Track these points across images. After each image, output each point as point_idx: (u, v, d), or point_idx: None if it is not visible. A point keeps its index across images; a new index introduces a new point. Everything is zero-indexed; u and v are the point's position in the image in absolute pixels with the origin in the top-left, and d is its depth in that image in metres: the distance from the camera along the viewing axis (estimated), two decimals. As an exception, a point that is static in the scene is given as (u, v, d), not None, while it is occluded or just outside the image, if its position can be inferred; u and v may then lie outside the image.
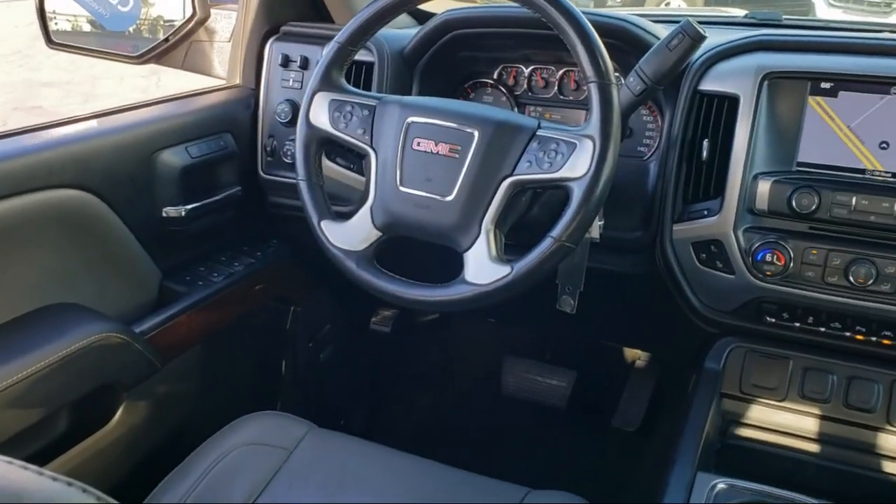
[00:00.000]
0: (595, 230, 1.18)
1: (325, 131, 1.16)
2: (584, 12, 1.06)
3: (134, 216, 1.35)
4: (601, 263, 1.32)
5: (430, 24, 1.41)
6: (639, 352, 2.03)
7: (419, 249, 1.15)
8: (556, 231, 1.02)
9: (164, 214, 1.40)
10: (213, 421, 1.20)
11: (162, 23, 1.66)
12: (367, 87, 1.43)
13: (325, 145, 1.19)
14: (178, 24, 1.60)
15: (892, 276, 1.13)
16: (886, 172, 1.15)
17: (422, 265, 1.25)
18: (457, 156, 1.07)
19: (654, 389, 1.95)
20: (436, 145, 1.09)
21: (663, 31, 1.26)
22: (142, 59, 1.63)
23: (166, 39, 1.60)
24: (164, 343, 1.35)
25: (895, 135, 1.15)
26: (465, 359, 2.21)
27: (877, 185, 1.15)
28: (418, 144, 1.10)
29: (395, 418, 2.09)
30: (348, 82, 1.19)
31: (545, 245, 1.02)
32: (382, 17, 1.15)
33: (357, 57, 1.24)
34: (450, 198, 1.07)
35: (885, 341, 1.19)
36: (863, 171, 1.17)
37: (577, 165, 1.01)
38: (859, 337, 1.20)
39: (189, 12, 1.58)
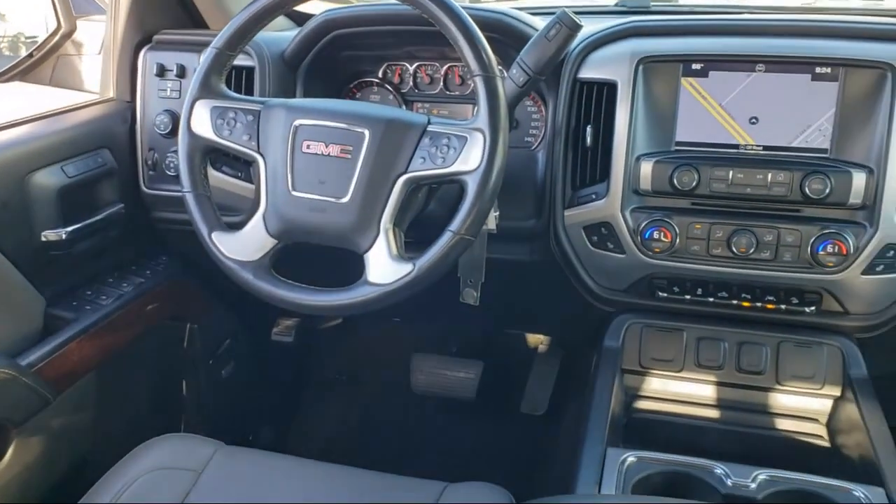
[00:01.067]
0: (492, 221, 1.20)
1: (209, 140, 1.12)
2: (463, 7, 1.07)
3: (10, 243, 1.27)
4: (500, 254, 1.34)
5: (310, 24, 1.39)
6: (541, 337, 2.07)
7: (318, 255, 1.13)
8: (455, 224, 1.02)
9: (43, 239, 1.32)
10: (116, 450, 1.14)
11: (23, 39, 1.57)
12: (249, 93, 1.39)
13: (209, 154, 1.16)
14: (41, 38, 1.51)
15: (771, 244, 1.20)
16: (758, 146, 1.22)
17: (322, 270, 1.23)
18: (349, 156, 1.06)
19: (558, 372, 1.99)
20: (326, 147, 1.07)
21: (541, 23, 1.29)
22: (2, 77, 1.54)
23: (30, 55, 1.51)
24: (53, 374, 1.28)
25: (763, 110, 1.21)
26: (374, 361, 2.20)
27: (750, 158, 1.22)
28: (308, 147, 1.08)
29: (306, 428, 2.05)
30: (229, 88, 1.16)
31: (445, 239, 1.03)
32: (259, 20, 1.12)
33: (236, 62, 1.21)
34: (345, 199, 1.06)
35: (769, 305, 1.26)
36: (736, 147, 1.23)
37: (470, 158, 1.02)
38: (745, 304, 1.27)
39: (53, 25, 1.50)
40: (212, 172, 1.38)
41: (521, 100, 1.20)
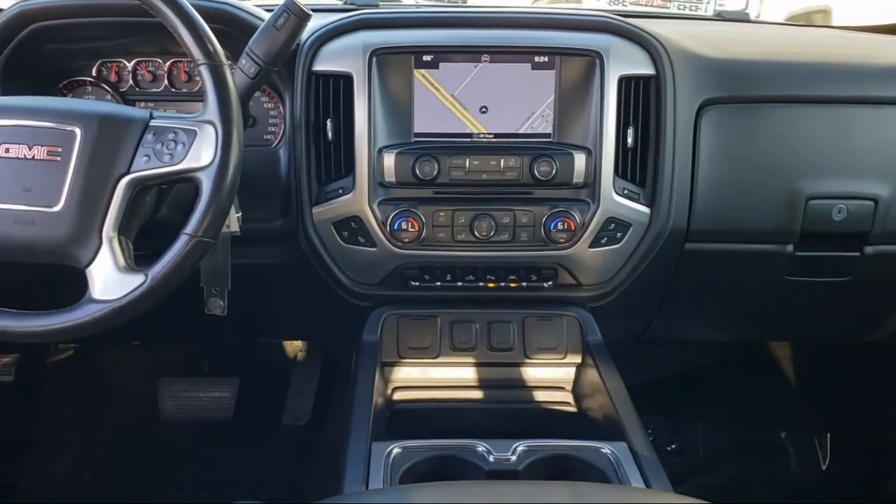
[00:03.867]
0: (234, 223, 1.13)
1: None
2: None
3: None
4: (247, 258, 1.28)
5: (3, 17, 1.23)
6: (299, 343, 2.02)
7: (33, 274, 1.00)
8: (191, 227, 0.95)
9: None
10: None
11: None
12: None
13: None
14: None
15: (508, 226, 1.26)
16: (489, 134, 1.27)
17: (39, 292, 1.08)
18: (58, 159, 0.94)
19: (320, 377, 1.96)
20: (30, 150, 0.94)
21: (268, 15, 1.24)
22: None
23: None
24: None
25: (492, 99, 1.26)
26: (115, 391, 2.00)
27: (483, 146, 1.27)
28: (7, 151, 0.94)
29: (38, 478, 1.82)
30: None
31: (181, 244, 0.95)
32: None
33: None
34: (57, 208, 0.94)
35: (512, 284, 1.32)
36: (470, 136, 1.27)
37: (202, 154, 0.95)
38: (491, 285, 1.32)
39: None
40: None
41: (254, 92, 1.14)
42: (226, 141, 0.95)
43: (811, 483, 1.97)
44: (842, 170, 1.30)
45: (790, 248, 1.34)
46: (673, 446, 2.00)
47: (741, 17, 1.78)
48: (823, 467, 2.00)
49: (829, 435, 2.00)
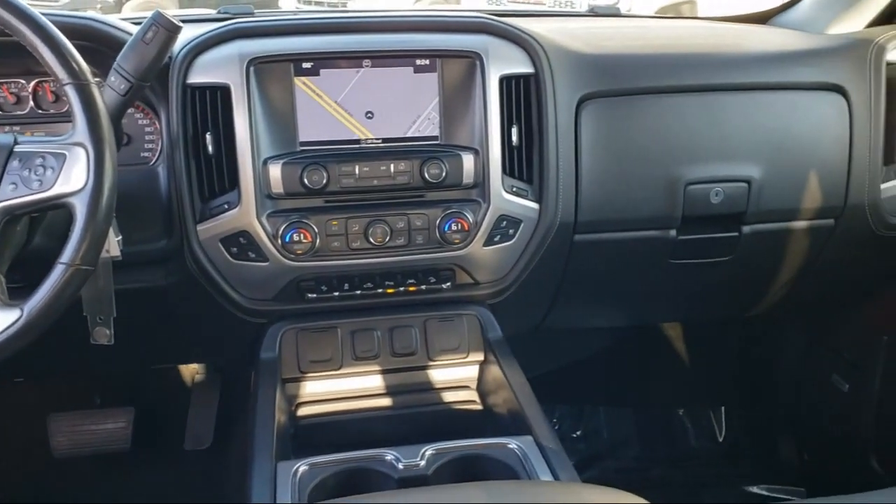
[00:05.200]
0: (114, 247, 1.08)
1: None
2: (43, 14, 0.95)
3: None
4: (132, 283, 1.23)
5: None
6: (196, 366, 1.95)
7: None
8: (67, 255, 0.90)
9: None
10: None
11: None
12: None
13: None
14: None
15: (403, 230, 1.25)
16: (377, 139, 1.26)
17: None
18: None
19: (220, 399, 1.90)
20: None
21: (135, 29, 1.19)
22: None
23: None
24: None
25: (376, 104, 1.26)
26: (1, 433, 1.88)
27: (372, 151, 1.26)
28: None
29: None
30: None
31: (57, 273, 0.90)
32: None
33: None
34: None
35: (411, 288, 1.32)
36: (358, 142, 1.26)
37: (73, 177, 0.91)
38: (390, 290, 1.31)
39: None
40: None
41: (126, 109, 1.09)
42: (98, 163, 0.91)
43: (710, 456, 2.07)
44: (716, 155, 1.36)
45: (673, 232, 1.40)
46: (578, 433, 2.06)
47: (613, 12, 1.84)
48: (720, 439, 2.10)
49: (723, 408, 2.10)
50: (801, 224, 1.44)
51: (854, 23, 1.56)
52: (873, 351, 1.64)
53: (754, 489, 1.94)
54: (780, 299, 1.63)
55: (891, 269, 1.59)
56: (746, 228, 1.42)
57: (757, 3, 1.79)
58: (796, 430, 1.96)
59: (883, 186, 1.43)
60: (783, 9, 1.70)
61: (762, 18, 1.74)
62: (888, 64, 1.41)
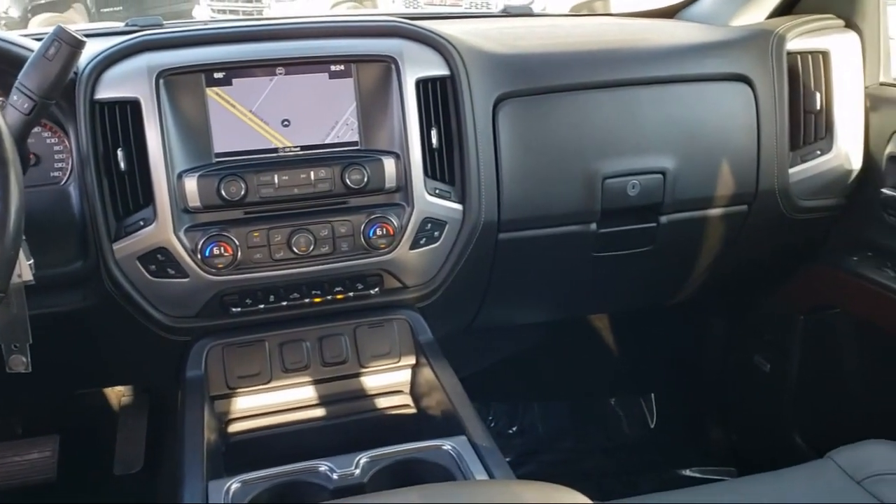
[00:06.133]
0: (26, 272, 1.04)
1: None
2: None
3: None
4: (49, 307, 1.19)
5: None
6: (122, 388, 1.89)
7: None
8: (-30, 284, 0.86)
9: None
10: None
11: None
12: None
13: None
14: None
15: (328, 238, 1.24)
16: (295, 147, 1.25)
17: None
18: None
19: (149, 420, 1.85)
20: None
21: (36, 45, 1.15)
22: None
23: None
24: None
25: (293, 112, 1.24)
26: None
27: (291, 160, 1.24)
28: None
29: None
30: None
31: None
32: None
33: None
34: None
35: (339, 296, 1.31)
36: (276, 150, 1.24)
37: None
38: (317, 300, 1.30)
39: None
40: None
41: (31, 129, 1.05)
42: (3, 185, 0.87)
43: (642, 442, 2.11)
44: (631, 148, 1.40)
45: (594, 226, 1.43)
46: (514, 429, 2.08)
47: (525, 12, 1.86)
48: (652, 426, 2.15)
49: (653, 395, 2.15)
50: (716, 211, 1.48)
51: (755, 14, 1.61)
52: (791, 331, 1.70)
53: (686, 472, 1.99)
54: (700, 285, 1.68)
55: (803, 251, 1.66)
56: (664, 218, 1.46)
57: (667, -1, 1.84)
58: (724, 412, 2.03)
59: (791, 171, 1.49)
60: (689, 3, 1.75)
61: (670, 13, 1.78)
62: (788, 53, 1.47)
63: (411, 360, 1.32)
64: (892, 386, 1.54)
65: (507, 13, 1.84)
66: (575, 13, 1.97)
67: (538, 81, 1.36)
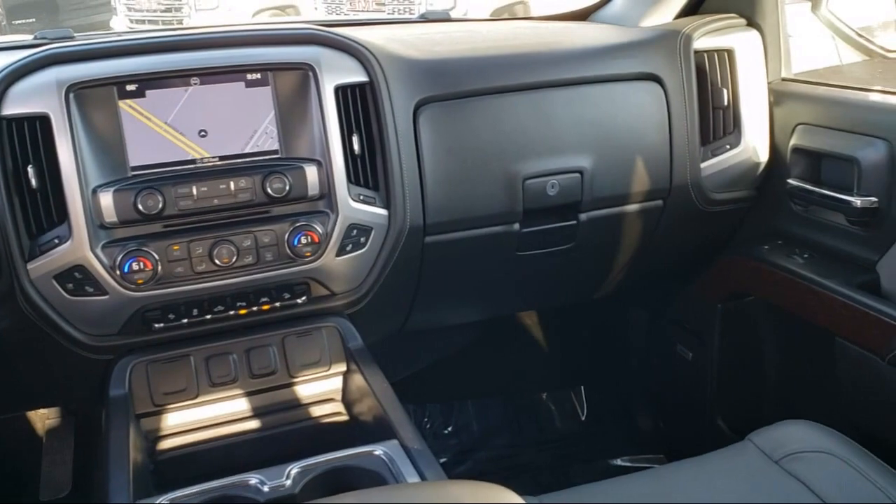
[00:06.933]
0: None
1: None
2: None
3: None
4: None
5: None
6: (46, 410, 1.84)
7: None
8: None
9: None
10: None
11: None
12: None
13: None
14: None
15: (251, 249, 1.23)
16: (214, 157, 1.24)
17: None
18: None
19: (76, 442, 1.80)
20: None
21: None
22: None
23: None
24: None
25: (209, 122, 1.23)
26: None
27: (209, 170, 1.23)
28: None
29: None
30: None
31: None
32: None
33: None
34: None
35: (265, 307, 1.30)
36: (193, 162, 1.23)
37: None
38: (242, 311, 1.28)
39: None
40: None
41: None
42: None
43: (574, 435, 2.16)
44: (548, 149, 1.43)
45: (516, 226, 1.45)
46: (449, 429, 2.09)
47: (444, 17, 1.88)
48: (583, 418, 2.20)
49: (582, 388, 2.20)
50: (633, 207, 1.53)
51: (663, 15, 1.66)
52: (710, 320, 1.77)
53: (618, 461, 2.05)
54: (622, 279, 1.72)
55: (717, 242, 1.72)
56: (583, 216, 1.49)
57: (585, 0, 1.87)
58: (651, 401, 2.09)
59: (703, 165, 1.54)
60: (601, 5, 1.79)
61: (582, 15, 1.83)
62: (696, 52, 1.52)
63: (342, 368, 1.32)
64: (806, 367, 1.61)
65: (426, 19, 1.85)
66: (493, 18, 1.98)
67: (456, 86, 1.38)
